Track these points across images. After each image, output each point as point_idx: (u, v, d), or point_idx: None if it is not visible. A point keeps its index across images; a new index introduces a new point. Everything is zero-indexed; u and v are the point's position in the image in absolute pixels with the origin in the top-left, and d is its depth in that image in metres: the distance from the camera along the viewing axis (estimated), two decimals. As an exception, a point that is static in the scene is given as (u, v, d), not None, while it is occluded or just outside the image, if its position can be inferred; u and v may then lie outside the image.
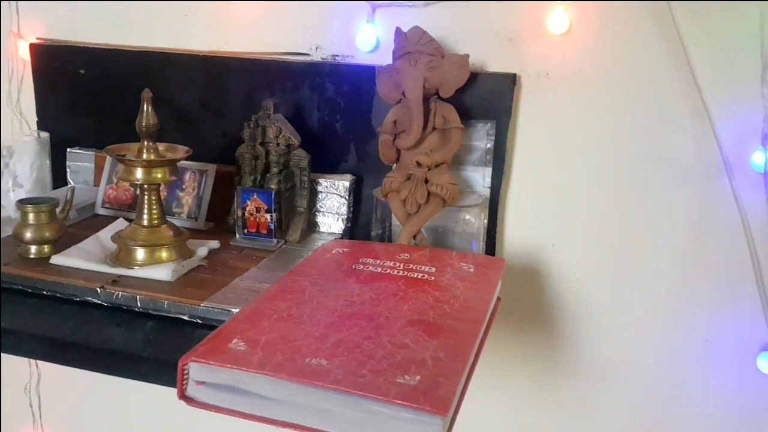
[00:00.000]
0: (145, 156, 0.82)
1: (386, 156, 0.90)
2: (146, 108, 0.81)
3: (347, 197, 0.96)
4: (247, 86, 1.00)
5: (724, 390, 0.94)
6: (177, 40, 1.03)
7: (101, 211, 1.01)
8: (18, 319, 0.74)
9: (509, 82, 0.91)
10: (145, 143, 0.82)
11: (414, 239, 0.88)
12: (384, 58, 0.94)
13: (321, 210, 0.97)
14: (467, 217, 0.92)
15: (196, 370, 0.60)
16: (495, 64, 0.93)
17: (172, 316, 0.75)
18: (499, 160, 0.93)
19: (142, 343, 0.70)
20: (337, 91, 0.97)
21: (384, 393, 0.55)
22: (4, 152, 1.01)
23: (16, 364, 1.23)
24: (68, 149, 1.07)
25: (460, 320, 0.68)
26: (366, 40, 0.95)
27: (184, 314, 0.74)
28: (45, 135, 1.05)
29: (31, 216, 0.84)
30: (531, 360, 1.01)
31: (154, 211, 0.83)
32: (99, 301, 0.77)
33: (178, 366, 0.60)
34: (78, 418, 1.28)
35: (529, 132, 0.94)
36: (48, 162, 1.04)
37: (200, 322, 0.74)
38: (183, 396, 0.61)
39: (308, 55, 0.99)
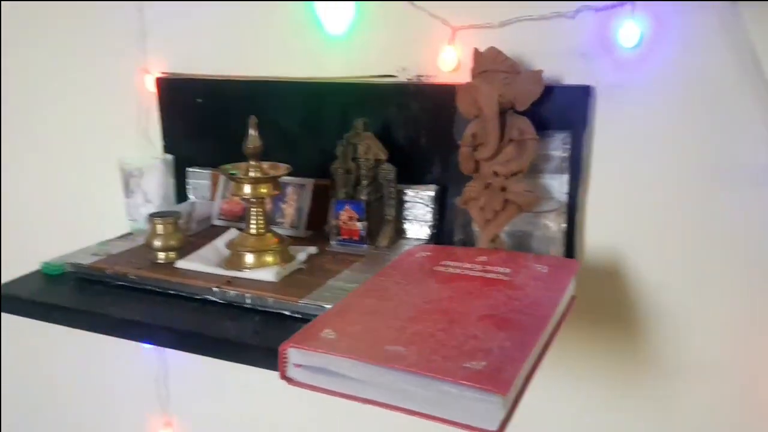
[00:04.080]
0: (251, 174, 0.93)
1: (466, 167, 0.97)
2: (251, 132, 0.92)
3: (432, 205, 1.04)
4: (341, 107, 1.10)
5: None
6: (279, 69, 1.15)
7: (217, 222, 1.14)
8: (150, 314, 0.87)
9: (584, 94, 0.96)
10: (251, 163, 0.94)
11: (493, 243, 0.95)
12: (463, 77, 1.02)
13: (408, 218, 1.06)
14: (546, 221, 0.98)
15: (294, 354, 0.70)
16: (570, 77, 0.98)
17: (275, 311, 0.85)
18: (576, 167, 0.98)
19: (251, 333, 0.81)
20: (421, 109, 1.05)
21: (452, 375, 0.62)
22: (136, 173, 1.16)
23: (147, 358, 1.39)
24: (188, 168, 1.21)
25: (529, 315, 0.75)
26: (447, 61, 1.03)
27: (285, 310, 0.84)
28: (169, 157, 1.19)
29: (159, 227, 0.97)
30: (610, 359, 1.05)
31: (260, 222, 0.95)
32: (215, 299, 0.89)
33: (279, 351, 0.70)
34: (202, 406, 1.43)
35: (606, 140, 0.98)
36: (172, 180, 1.19)
37: (299, 316, 0.84)
38: (284, 376, 0.71)
39: (395, 76, 1.08)
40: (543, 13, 0.97)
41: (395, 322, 0.73)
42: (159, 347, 1.36)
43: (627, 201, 0.99)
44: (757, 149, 0.91)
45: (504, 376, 0.62)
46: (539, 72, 0.94)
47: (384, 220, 1.04)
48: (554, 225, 0.98)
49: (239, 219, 1.12)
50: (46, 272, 1.00)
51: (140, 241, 1.07)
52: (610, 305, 1.03)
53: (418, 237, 1.06)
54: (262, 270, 0.91)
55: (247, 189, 0.93)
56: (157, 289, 0.93)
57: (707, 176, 0.94)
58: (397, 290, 0.81)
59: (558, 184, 0.99)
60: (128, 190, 1.17)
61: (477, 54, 0.96)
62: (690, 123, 0.94)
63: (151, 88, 1.25)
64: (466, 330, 0.71)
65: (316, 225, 1.09)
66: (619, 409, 1.07)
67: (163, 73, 1.25)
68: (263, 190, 0.93)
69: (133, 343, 0.92)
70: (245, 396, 1.38)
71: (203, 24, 1.19)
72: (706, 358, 1.00)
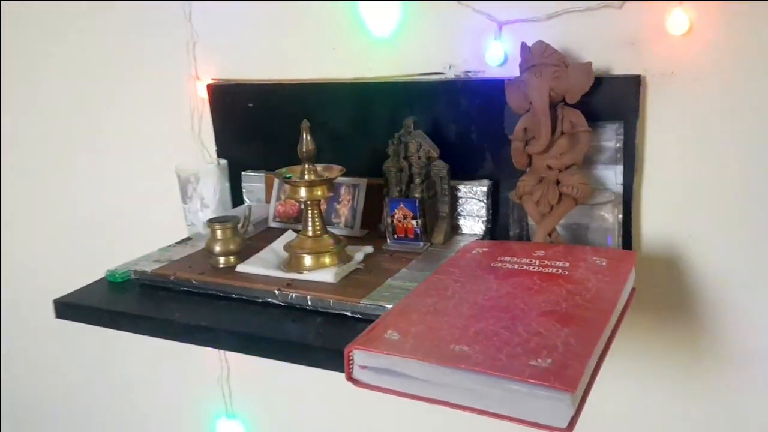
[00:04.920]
0: (306, 177, 0.95)
1: (519, 161, 0.97)
2: (305, 136, 0.94)
3: (485, 201, 1.04)
4: (390, 106, 1.11)
5: None
6: (327, 71, 1.16)
7: (273, 224, 1.16)
8: (214, 319, 0.90)
9: (634, 83, 0.95)
10: (306, 166, 0.95)
11: (549, 237, 0.95)
12: (511, 71, 1.02)
13: (462, 213, 1.07)
14: (601, 213, 0.98)
15: (359, 356, 0.71)
16: (619, 67, 0.97)
17: (336, 312, 0.87)
18: (629, 157, 0.97)
19: (314, 335, 0.83)
20: (470, 105, 1.05)
21: (518, 373, 0.63)
22: (192, 178, 1.19)
23: (209, 359, 1.43)
24: (242, 172, 1.24)
25: (591, 310, 0.75)
26: (494, 56, 1.03)
27: (346, 311, 0.86)
28: (224, 161, 1.22)
29: (218, 233, 1.00)
30: (670, 349, 1.04)
31: (317, 223, 0.97)
32: (277, 302, 0.91)
33: (345, 353, 0.72)
34: (265, 406, 1.46)
35: (658, 129, 0.97)
36: (227, 184, 1.21)
37: (360, 316, 0.85)
38: (350, 378, 0.73)
39: (442, 73, 1.08)
40: (590, 4, 0.97)
41: (457, 320, 0.74)
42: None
43: (683, 189, 0.98)
44: (819, 132, 0.89)
45: (571, 372, 0.63)
46: (589, 64, 0.93)
47: (438, 217, 1.04)
48: (610, 216, 0.97)
49: (295, 220, 1.14)
50: (111, 280, 1.04)
51: (200, 246, 1.10)
52: (668, 295, 1.02)
53: (473, 233, 1.06)
54: (321, 271, 0.93)
55: (302, 192, 0.95)
56: (220, 294, 0.95)
57: (762, 162, 0.92)
58: (456, 288, 0.82)
59: (613, 175, 0.98)
60: (186, 196, 1.20)
61: (525, 48, 0.96)
62: (742, 109, 0.92)
63: (203, 94, 1.28)
64: (528, 327, 0.72)
65: (370, 224, 1.11)
66: (680, 398, 1.06)
67: (213, 79, 1.27)
68: (318, 193, 0.95)
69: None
70: (309, 396, 1.41)
71: (250, 30, 1.22)
72: (765, 345, 0.98)
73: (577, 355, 0.66)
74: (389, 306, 0.83)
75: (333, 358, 0.78)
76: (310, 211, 0.96)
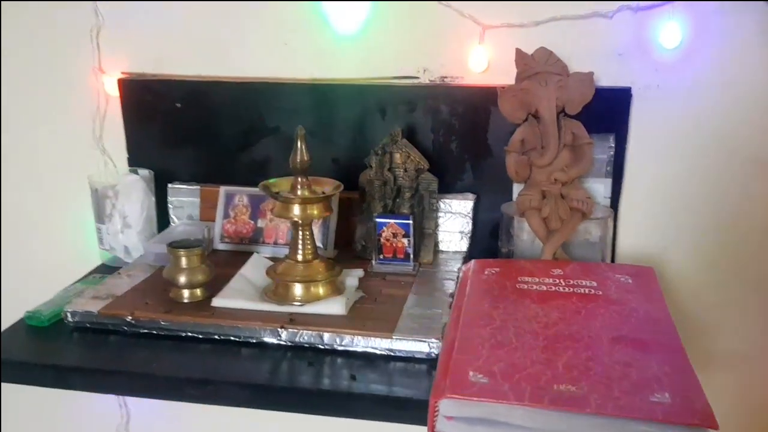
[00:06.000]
0: (299, 192, 0.82)
1: (519, 174, 0.92)
2: (299, 145, 0.81)
3: (470, 216, 0.98)
4: (357, 112, 1.00)
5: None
6: (278, 69, 1.02)
7: (220, 246, 0.99)
8: (206, 368, 0.73)
9: (625, 96, 0.94)
10: (299, 179, 0.82)
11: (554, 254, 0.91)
12: (494, 78, 0.97)
13: (442, 229, 0.99)
14: (593, 227, 0.95)
15: (447, 406, 0.61)
16: (606, 78, 0.96)
17: (359, 351, 0.75)
18: (618, 171, 0.96)
19: (348, 380, 0.71)
20: (452, 113, 0.98)
21: (649, 414, 0.58)
22: (110, 193, 0.98)
23: (107, 405, 1.20)
24: (169, 185, 1.05)
25: (657, 333, 0.71)
26: (478, 62, 0.97)
27: (376, 349, 0.75)
28: (147, 172, 1.02)
29: (183, 260, 0.82)
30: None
31: (308, 247, 0.83)
32: (278, 341, 0.77)
33: (430, 403, 0.61)
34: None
35: (640, 142, 0.97)
36: (153, 200, 1.02)
37: (392, 354, 0.74)
38: (433, 431, 0.62)
39: (416, 78, 1.00)
40: (580, 12, 0.94)
41: (533, 354, 0.67)
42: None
43: (661, 202, 0.99)
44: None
45: (701, 407, 0.59)
46: (590, 74, 0.91)
47: (424, 234, 0.96)
48: (598, 231, 0.96)
49: (250, 241, 0.98)
50: (34, 324, 0.82)
51: (141, 276, 0.90)
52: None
53: (455, 250, 0.99)
54: (326, 303, 0.80)
55: (296, 210, 0.81)
56: (198, 336, 0.78)
57: (737, 175, 0.96)
58: (499, 315, 0.75)
59: (602, 189, 0.97)
60: (103, 214, 0.98)
61: (523, 55, 0.91)
62: (722, 123, 0.95)
63: (111, 91, 1.06)
64: (612, 357, 0.66)
65: (338, 243, 0.98)
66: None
67: (124, 73, 1.06)
68: (314, 212, 0.82)
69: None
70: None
71: (176, 17, 1.03)
72: (734, 347, 1.03)
73: (687, 386, 0.62)
74: (433, 341, 0.73)
75: (393, 408, 0.67)
76: (301, 233, 0.83)
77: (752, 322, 1.02)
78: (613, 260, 0.99)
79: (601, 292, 0.80)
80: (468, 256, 0.98)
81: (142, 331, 0.79)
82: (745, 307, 1.01)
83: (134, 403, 1.22)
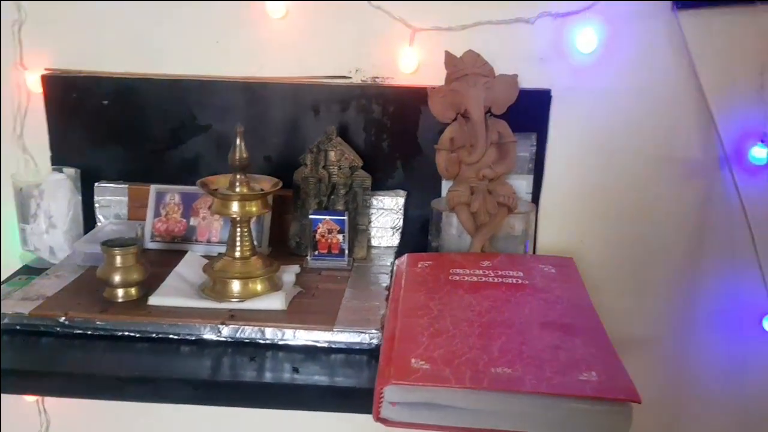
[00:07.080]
0: (238, 189, 0.82)
1: (449, 171, 0.95)
2: (238, 142, 0.81)
3: (402, 212, 1.01)
4: (290, 110, 1.02)
5: (732, 350, 1.10)
6: (211, 67, 1.02)
7: (150, 245, 0.98)
8: (148, 367, 0.73)
9: (546, 97, 1.00)
10: (238, 176, 0.82)
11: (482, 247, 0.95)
12: (423, 79, 1.00)
13: (374, 225, 1.02)
14: (516, 221, 1.00)
15: (393, 392, 0.64)
16: (527, 81, 1.00)
17: (301, 345, 0.77)
18: (539, 168, 1.02)
19: (290, 373, 0.72)
20: (383, 112, 1.01)
21: (579, 391, 0.62)
22: (35, 192, 0.95)
23: (26, 411, 1.16)
24: (96, 184, 1.02)
25: (580, 317, 0.77)
26: (408, 63, 1.00)
27: (317, 342, 0.76)
28: (72, 171, 1.00)
29: (118, 259, 0.81)
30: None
31: (246, 244, 0.84)
32: (218, 338, 0.77)
33: (375, 390, 0.64)
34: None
35: (559, 141, 1.03)
36: (80, 199, 0.99)
37: (333, 347, 0.76)
38: (378, 418, 0.64)
39: (348, 78, 1.02)
40: (504, 17, 0.99)
41: (469, 340, 0.70)
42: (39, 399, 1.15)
43: (577, 196, 1.05)
44: (690, 145, 1.02)
45: (623, 383, 0.64)
46: (515, 76, 0.95)
47: (358, 230, 0.98)
48: (521, 224, 1.01)
49: (182, 240, 0.98)
50: (-42, 328, 0.78)
51: (70, 276, 0.88)
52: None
53: (387, 245, 1.02)
54: (266, 298, 0.81)
55: (235, 207, 0.82)
56: (135, 335, 0.78)
57: (647, 169, 1.04)
58: (436, 305, 0.78)
59: (525, 185, 1.02)
60: (27, 214, 0.95)
61: (452, 57, 0.95)
62: (633, 122, 1.02)
63: (33, 87, 1.03)
64: (542, 340, 0.71)
65: (272, 240, 0.99)
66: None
67: (47, 69, 1.03)
68: (253, 209, 0.83)
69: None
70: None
71: (103, 12, 1.01)
72: (643, 332, 1.10)
73: (611, 365, 0.67)
74: (374, 332, 0.75)
75: (337, 397, 0.69)
76: (239, 230, 0.83)
77: (661, 307, 1.09)
78: (534, 252, 1.05)
79: (527, 282, 0.85)
80: (399, 251, 1.01)
81: (76, 331, 0.78)
82: (655, 293, 1.09)
83: (53, 408, 1.18)
